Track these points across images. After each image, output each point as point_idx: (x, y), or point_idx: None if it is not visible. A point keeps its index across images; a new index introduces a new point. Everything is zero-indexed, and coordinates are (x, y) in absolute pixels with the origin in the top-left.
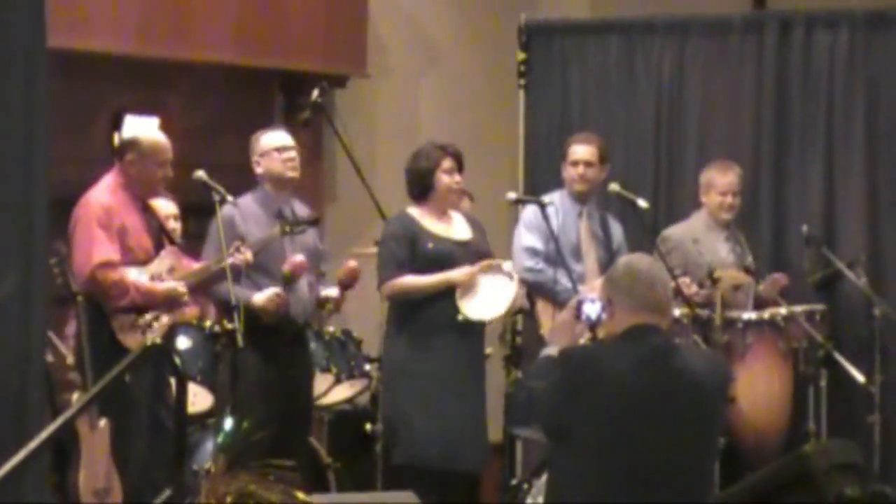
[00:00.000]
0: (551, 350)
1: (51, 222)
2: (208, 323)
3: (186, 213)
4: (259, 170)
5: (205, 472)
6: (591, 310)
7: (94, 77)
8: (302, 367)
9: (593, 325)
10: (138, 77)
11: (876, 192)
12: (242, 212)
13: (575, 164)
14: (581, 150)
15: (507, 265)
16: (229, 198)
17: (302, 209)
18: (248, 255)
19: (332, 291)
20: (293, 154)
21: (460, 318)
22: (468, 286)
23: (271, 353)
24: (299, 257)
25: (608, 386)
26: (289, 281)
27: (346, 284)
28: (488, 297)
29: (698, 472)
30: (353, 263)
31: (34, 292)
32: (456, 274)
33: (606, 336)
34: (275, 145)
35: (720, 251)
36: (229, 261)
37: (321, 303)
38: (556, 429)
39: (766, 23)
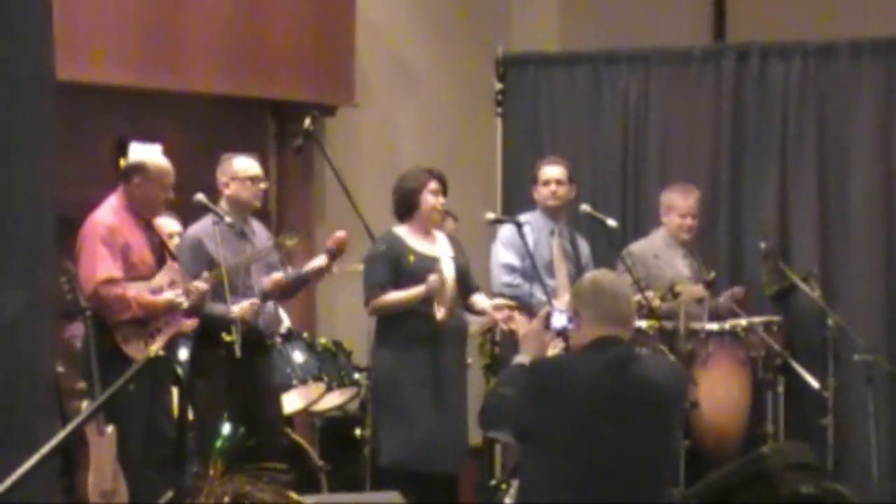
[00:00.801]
0: (523, 358)
1: (57, 241)
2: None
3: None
4: (227, 191)
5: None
6: (559, 320)
7: (96, 106)
8: (265, 373)
9: (560, 334)
10: (138, 106)
11: (826, 210)
12: (211, 234)
13: (546, 183)
14: (551, 170)
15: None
16: (227, 218)
17: (259, 228)
18: (201, 284)
19: (318, 261)
20: (264, 185)
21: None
22: (443, 294)
23: (247, 360)
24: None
25: (572, 392)
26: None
27: (334, 253)
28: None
29: (657, 471)
30: (341, 233)
31: (41, 308)
32: (427, 284)
33: (574, 346)
34: (250, 174)
35: (679, 266)
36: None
37: (301, 278)
38: (523, 432)
39: (724, 53)
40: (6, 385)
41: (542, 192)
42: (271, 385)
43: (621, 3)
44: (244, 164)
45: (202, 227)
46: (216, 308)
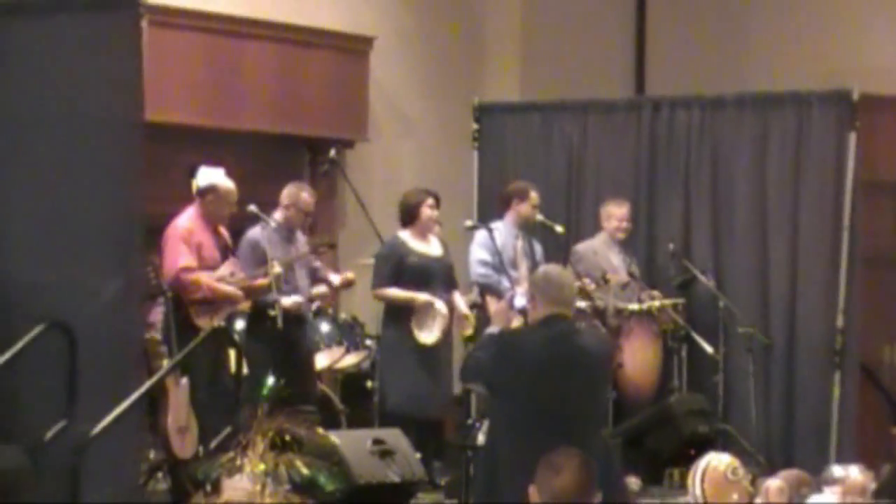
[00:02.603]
0: (493, 329)
1: (144, 242)
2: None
3: (238, 236)
4: (287, 212)
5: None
6: (520, 301)
7: (170, 140)
8: (302, 340)
9: (521, 312)
10: (204, 140)
11: (718, 222)
12: (264, 238)
13: (535, 205)
14: (536, 196)
15: (443, 308)
16: (272, 223)
17: (301, 237)
18: (277, 269)
19: (321, 289)
20: (311, 214)
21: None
22: (424, 310)
23: (289, 330)
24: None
25: (528, 356)
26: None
27: (342, 287)
28: (432, 327)
29: (591, 416)
30: (350, 275)
31: (132, 291)
32: (419, 297)
33: (530, 321)
34: (308, 209)
35: (613, 261)
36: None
37: (312, 298)
38: (492, 385)
39: (643, 105)
40: (107, 349)
41: (525, 210)
42: (306, 349)
43: (567, 62)
44: (308, 200)
45: (258, 232)
46: (273, 297)
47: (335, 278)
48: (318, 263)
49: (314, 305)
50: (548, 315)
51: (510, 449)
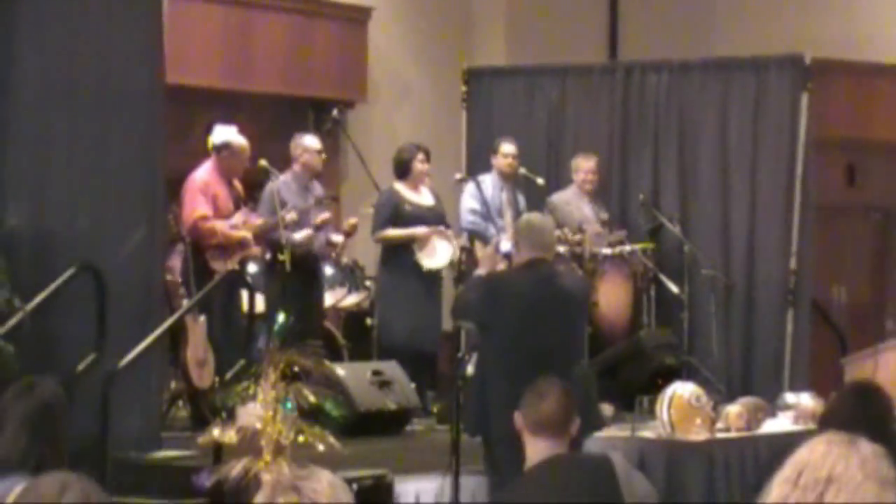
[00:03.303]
0: (481, 271)
1: (165, 193)
2: (267, 256)
3: (250, 188)
4: (301, 159)
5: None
6: (505, 247)
7: (188, 101)
8: (318, 282)
9: (506, 257)
10: (219, 100)
11: (684, 175)
12: (284, 186)
13: (505, 155)
14: (509, 147)
15: (449, 233)
16: (280, 177)
17: (318, 187)
18: (293, 214)
19: (338, 238)
20: (324, 156)
21: (422, 268)
22: (424, 242)
23: (297, 272)
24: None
25: (513, 296)
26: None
27: (349, 233)
28: (436, 253)
29: (570, 349)
30: (353, 220)
31: (156, 238)
32: (418, 231)
33: (515, 264)
34: (316, 148)
35: (584, 210)
36: (287, 218)
37: (331, 243)
38: (480, 321)
39: (616, 68)
40: (133, 290)
41: (500, 162)
42: (318, 287)
43: (548, 30)
44: (312, 141)
45: (280, 181)
46: (287, 235)
47: (338, 238)
48: (327, 214)
49: (332, 239)
50: (531, 259)
51: (499, 379)
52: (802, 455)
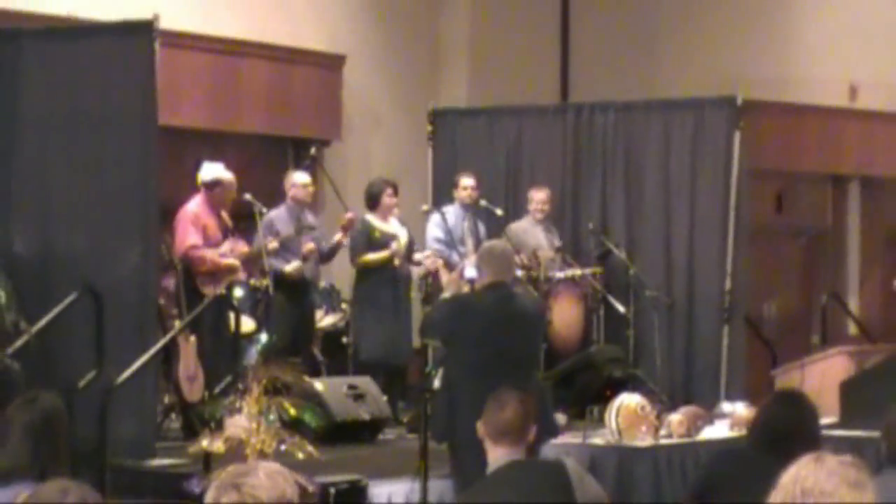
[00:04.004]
0: (446, 295)
1: (159, 223)
2: (252, 281)
3: (237, 219)
4: (291, 193)
5: (250, 366)
6: (469, 272)
7: (179, 139)
8: (309, 305)
9: (470, 282)
10: (206, 140)
11: (629, 205)
12: (277, 217)
13: (465, 188)
14: (468, 180)
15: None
16: (264, 210)
17: (310, 217)
18: (275, 243)
19: (337, 236)
20: (312, 189)
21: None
22: (399, 254)
23: (292, 297)
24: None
25: (476, 314)
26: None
27: (347, 227)
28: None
29: (527, 363)
30: (350, 214)
31: (149, 262)
32: (391, 249)
33: (477, 287)
34: (303, 182)
35: (539, 238)
36: (270, 246)
37: (304, 256)
38: (446, 338)
39: (568, 109)
40: (129, 310)
41: (460, 194)
42: (309, 309)
43: (506, 74)
44: (300, 177)
45: (274, 212)
46: (277, 264)
47: (338, 236)
48: (312, 245)
49: (332, 242)
50: (492, 282)
51: (464, 390)
52: (780, 482)
